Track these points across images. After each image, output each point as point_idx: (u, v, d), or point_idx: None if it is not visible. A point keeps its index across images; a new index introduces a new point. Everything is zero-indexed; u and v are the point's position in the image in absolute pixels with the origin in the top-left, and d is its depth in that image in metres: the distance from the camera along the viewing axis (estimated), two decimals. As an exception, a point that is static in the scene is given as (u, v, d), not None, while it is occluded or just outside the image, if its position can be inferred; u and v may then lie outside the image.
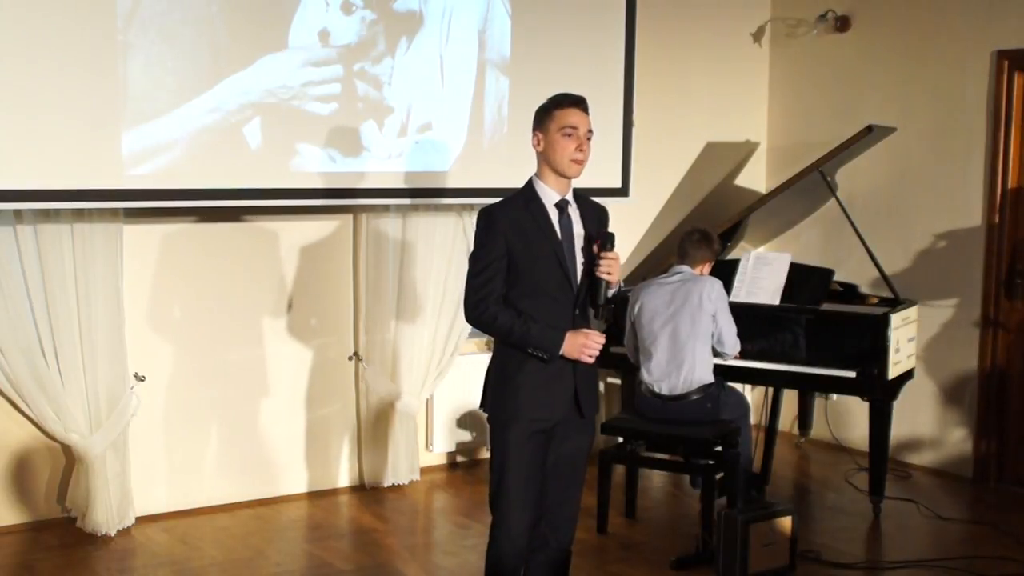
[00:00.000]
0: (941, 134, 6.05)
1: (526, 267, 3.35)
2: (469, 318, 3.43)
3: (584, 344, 3.34)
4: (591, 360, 3.39)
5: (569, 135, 3.34)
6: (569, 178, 3.40)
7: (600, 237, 3.38)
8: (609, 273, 3.33)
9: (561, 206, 3.40)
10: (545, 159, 3.40)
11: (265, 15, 4.91)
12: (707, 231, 5.20)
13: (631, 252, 6.57)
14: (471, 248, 3.52)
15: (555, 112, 3.37)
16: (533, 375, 3.37)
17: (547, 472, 3.46)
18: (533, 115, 3.44)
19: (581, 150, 3.35)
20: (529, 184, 3.45)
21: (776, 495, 5.63)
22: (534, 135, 3.42)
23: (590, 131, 3.40)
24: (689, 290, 4.93)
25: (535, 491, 3.44)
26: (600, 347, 3.38)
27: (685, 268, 5.05)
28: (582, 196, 3.50)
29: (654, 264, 6.47)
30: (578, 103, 3.39)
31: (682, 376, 4.91)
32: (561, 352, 3.34)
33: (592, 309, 3.39)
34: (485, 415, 3.52)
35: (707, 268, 5.11)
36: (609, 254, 3.34)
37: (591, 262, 3.37)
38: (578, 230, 3.41)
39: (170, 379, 5.21)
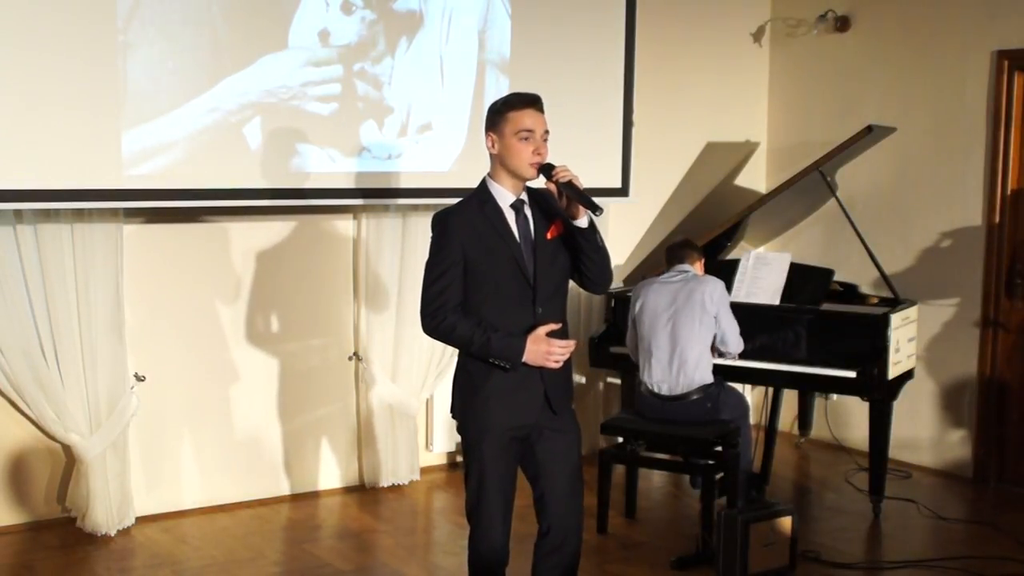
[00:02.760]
0: (941, 134, 6.05)
1: (484, 272, 3.26)
2: (426, 328, 3.33)
3: (548, 352, 3.25)
4: (557, 366, 3.29)
5: (526, 139, 3.23)
6: (526, 180, 3.31)
7: (544, 173, 3.25)
8: (567, 175, 3.19)
9: (517, 207, 3.31)
10: (500, 161, 3.29)
11: (265, 15, 4.91)
12: (684, 238, 5.34)
13: (631, 252, 6.57)
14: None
15: (509, 114, 3.25)
16: (500, 384, 3.29)
17: (542, 480, 3.38)
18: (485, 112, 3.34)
19: (539, 153, 3.24)
20: (483, 185, 3.35)
21: (776, 495, 5.63)
22: (487, 136, 3.30)
23: (546, 131, 3.28)
24: (691, 290, 4.93)
25: (513, 496, 3.40)
26: (567, 353, 3.30)
27: (687, 267, 5.05)
28: (540, 191, 3.38)
29: (654, 264, 6.47)
30: (533, 103, 3.27)
31: (682, 376, 4.91)
32: (523, 360, 3.26)
33: (592, 210, 3.20)
34: (456, 423, 3.45)
35: (701, 265, 5.12)
36: (556, 167, 3.22)
37: (560, 216, 3.27)
38: (536, 229, 3.31)
39: (170, 379, 5.21)
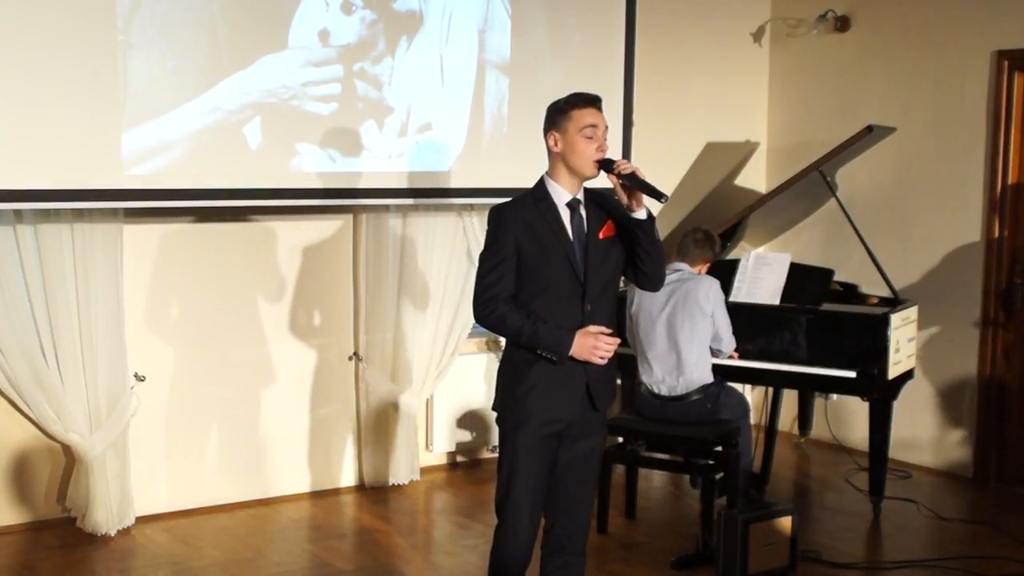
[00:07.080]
0: (941, 134, 6.05)
1: (536, 267, 3.32)
2: (478, 317, 3.40)
3: (595, 346, 3.30)
4: (602, 361, 3.34)
5: (589, 137, 3.30)
6: (587, 178, 3.37)
7: (605, 168, 3.29)
8: (629, 167, 3.25)
9: (573, 206, 3.37)
10: (563, 159, 3.35)
11: (265, 15, 4.91)
12: (710, 232, 5.20)
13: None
14: (471, 248, 3.50)
15: (572, 113, 3.32)
16: (544, 376, 3.33)
17: (559, 475, 3.43)
18: (545, 113, 3.39)
19: (601, 150, 3.31)
20: (540, 183, 3.41)
21: (776, 495, 5.63)
22: (550, 135, 3.36)
23: (606, 128, 3.36)
24: (688, 290, 4.92)
25: (543, 495, 3.42)
26: (612, 349, 3.35)
27: (684, 266, 5.04)
28: (597, 192, 3.44)
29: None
30: (594, 102, 3.35)
31: (682, 377, 4.91)
32: (570, 354, 3.30)
33: (657, 198, 3.24)
34: (495, 415, 3.49)
35: (705, 268, 5.11)
36: (617, 161, 3.27)
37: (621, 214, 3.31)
38: (589, 229, 3.37)
39: (170, 379, 5.21)
